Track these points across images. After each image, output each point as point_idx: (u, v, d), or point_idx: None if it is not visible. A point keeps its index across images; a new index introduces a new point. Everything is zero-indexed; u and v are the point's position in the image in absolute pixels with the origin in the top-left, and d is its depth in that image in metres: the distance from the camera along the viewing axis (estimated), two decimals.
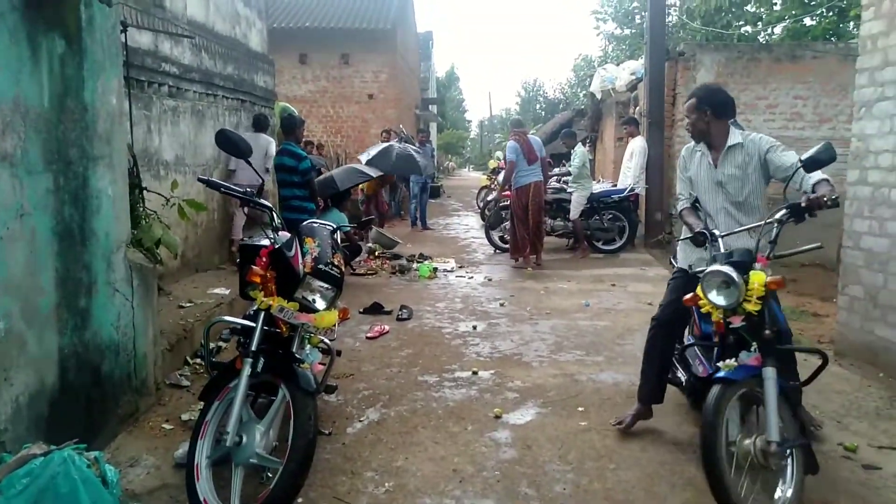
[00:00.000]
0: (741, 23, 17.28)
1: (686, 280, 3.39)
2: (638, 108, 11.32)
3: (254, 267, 2.75)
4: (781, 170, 3.13)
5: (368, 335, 5.37)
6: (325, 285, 2.86)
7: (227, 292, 5.46)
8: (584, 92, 24.65)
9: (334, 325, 2.98)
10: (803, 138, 9.30)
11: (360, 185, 10.55)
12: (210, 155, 6.58)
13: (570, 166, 10.03)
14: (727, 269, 2.71)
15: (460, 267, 8.77)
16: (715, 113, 3.28)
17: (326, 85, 16.05)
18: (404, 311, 6.08)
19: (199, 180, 2.91)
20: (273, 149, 7.29)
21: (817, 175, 2.90)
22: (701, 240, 3.16)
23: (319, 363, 3.32)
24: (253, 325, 2.77)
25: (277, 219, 2.94)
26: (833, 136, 9.13)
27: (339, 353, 3.74)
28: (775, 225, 2.86)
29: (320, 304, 2.85)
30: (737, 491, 2.52)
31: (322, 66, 16.00)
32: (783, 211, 2.82)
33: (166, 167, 5.70)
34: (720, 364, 2.75)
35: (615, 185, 10.18)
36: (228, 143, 2.84)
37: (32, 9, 2.68)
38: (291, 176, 6.21)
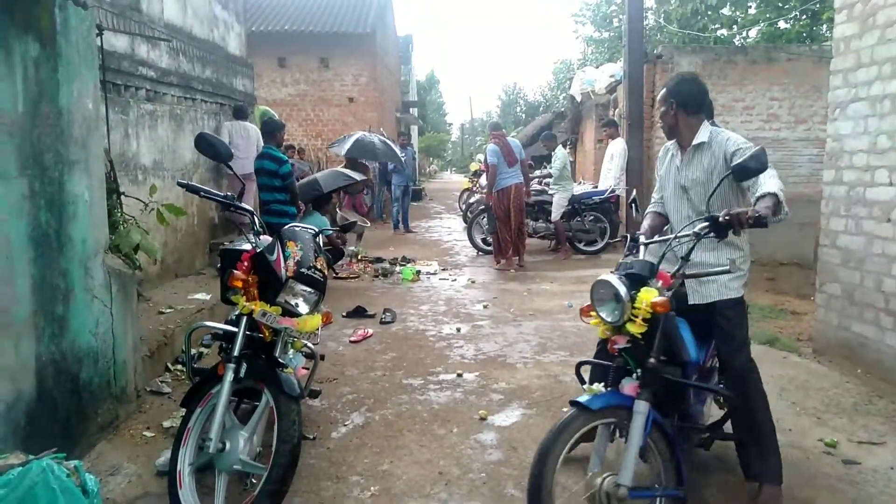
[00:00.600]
0: (717, 26, 17.51)
1: None
2: (617, 109, 11.42)
3: (235, 271, 2.72)
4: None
5: (352, 339, 5.34)
6: (308, 289, 2.84)
7: (208, 297, 5.40)
8: (563, 95, 24.81)
9: (317, 329, 2.96)
10: (780, 139, 9.46)
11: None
12: (189, 159, 6.51)
13: (551, 168, 10.08)
14: (614, 280, 2.40)
15: (443, 269, 8.77)
16: (682, 106, 2.88)
17: (306, 88, 15.99)
18: (388, 314, 6.06)
19: (179, 184, 2.87)
20: (257, 134, 7.50)
21: (765, 187, 2.51)
22: (631, 246, 2.86)
23: (303, 367, 3.30)
24: (235, 330, 2.74)
25: (258, 222, 2.91)
26: (808, 137, 9.31)
27: (322, 358, 3.72)
28: (691, 238, 2.48)
29: (303, 308, 2.83)
30: None
31: (301, 69, 15.93)
32: (702, 224, 2.45)
33: (144, 172, 5.63)
34: (585, 387, 2.46)
35: (596, 187, 10.25)
36: (208, 146, 2.81)
37: (4, 11, 2.63)
38: (272, 180, 6.16)
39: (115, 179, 4.57)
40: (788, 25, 16.12)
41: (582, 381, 2.73)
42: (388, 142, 11.19)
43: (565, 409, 3.45)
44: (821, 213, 4.94)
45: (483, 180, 11.40)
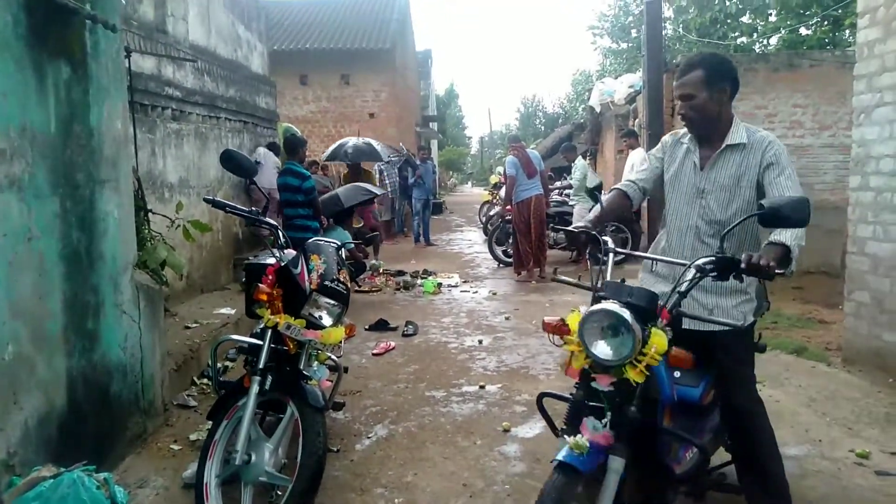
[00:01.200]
0: (737, 34, 17.41)
1: None
2: (637, 120, 11.38)
3: (260, 285, 2.76)
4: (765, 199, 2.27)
5: (374, 352, 5.37)
6: (332, 302, 2.87)
7: (233, 312, 5.47)
8: (583, 106, 24.80)
9: (341, 342, 2.99)
10: (804, 146, 9.33)
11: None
12: (214, 176, 6.63)
13: (571, 179, 10.07)
14: (627, 315, 1.92)
15: (464, 282, 8.78)
16: (733, 92, 2.43)
17: (327, 105, 16.20)
18: (410, 326, 6.08)
19: (205, 200, 2.94)
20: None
21: (784, 235, 2.16)
22: (582, 239, 2.37)
23: (327, 380, 3.32)
24: (260, 343, 2.78)
25: (282, 236, 2.96)
26: (833, 143, 9.16)
27: (346, 370, 3.74)
28: (695, 273, 2.05)
29: (327, 320, 2.86)
30: None
31: (323, 86, 16.16)
32: (709, 259, 2.04)
33: (171, 189, 5.74)
34: (568, 440, 1.96)
35: None
36: (233, 163, 2.87)
37: (38, 37, 2.72)
38: (295, 195, 6.24)
39: (143, 197, 4.67)
40: (810, 32, 15.96)
41: (545, 415, 2.38)
42: (371, 143, 11.75)
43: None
44: (848, 219, 4.86)
45: (503, 192, 11.43)
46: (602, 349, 1.96)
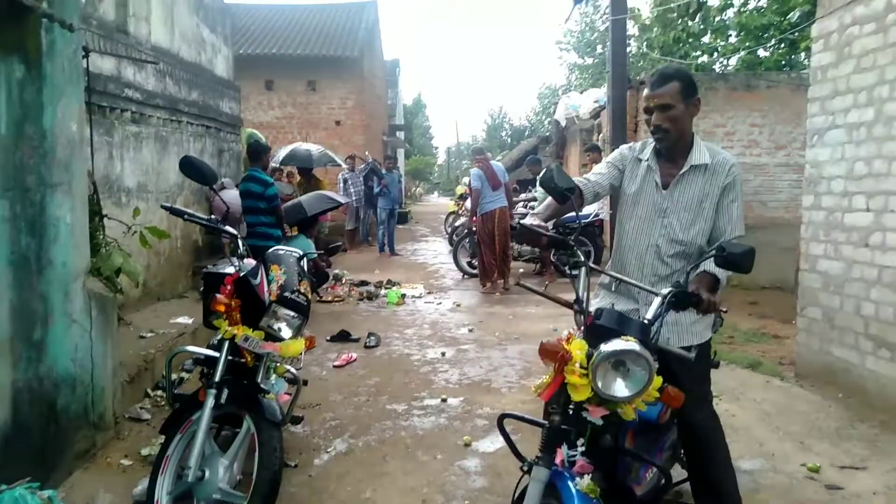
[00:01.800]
0: (698, 53, 17.87)
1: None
2: (601, 134, 11.57)
3: (218, 295, 2.70)
4: (716, 227, 2.43)
5: (335, 363, 5.30)
6: (292, 313, 2.82)
7: (191, 321, 5.34)
8: (549, 119, 25.11)
9: (300, 354, 2.94)
10: (760, 164, 9.62)
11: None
12: (174, 181, 6.48)
13: (535, 192, 10.16)
14: (646, 353, 1.86)
15: (429, 293, 8.76)
16: (686, 96, 2.38)
17: (293, 111, 16.03)
18: (372, 338, 6.02)
19: (163, 207, 2.86)
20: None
21: (713, 266, 2.19)
22: (544, 242, 2.24)
23: (285, 393, 3.26)
24: (217, 355, 2.71)
25: (242, 246, 2.90)
26: (788, 163, 9.46)
27: (305, 383, 3.67)
28: (659, 303, 2.06)
29: (286, 332, 2.81)
30: None
31: (289, 92, 15.99)
32: (671, 293, 2.06)
33: (128, 194, 5.59)
34: (578, 483, 1.90)
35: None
36: (193, 169, 2.81)
37: None
38: (257, 202, 6.15)
39: (98, 202, 4.53)
40: (767, 54, 16.50)
41: (507, 439, 2.26)
42: (325, 150, 11.60)
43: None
44: (800, 237, 5.01)
45: (469, 203, 11.47)
46: (620, 388, 1.88)
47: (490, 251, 8.62)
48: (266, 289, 2.79)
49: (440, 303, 8.08)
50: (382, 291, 8.52)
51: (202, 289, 2.97)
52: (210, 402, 2.59)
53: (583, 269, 2.18)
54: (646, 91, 2.45)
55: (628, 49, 14.49)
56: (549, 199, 2.44)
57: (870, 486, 3.19)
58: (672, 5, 16.57)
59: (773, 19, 15.77)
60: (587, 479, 1.91)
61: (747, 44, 16.30)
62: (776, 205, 9.45)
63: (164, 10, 6.47)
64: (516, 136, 48.69)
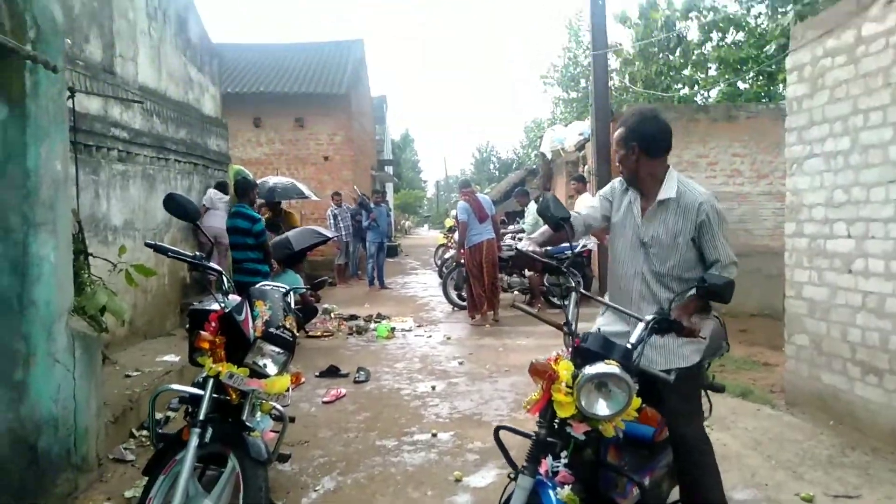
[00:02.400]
0: (679, 86, 18.25)
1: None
2: (586, 166, 11.71)
3: (202, 332, 2.68)
4: (706, 257, 2.57)
5: (324, 399, 5.24)
6: (277, 349, 2.80)
7: (177, 359, 5.27)
8: (535, 152, 25.40)
9: (287, 391, 2.90)
10: (743, 193, 9.75)
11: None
12: (161, 219, 6.47)
13: (523, 223, 10.23)
14: (618, 370, 2.03)
15: (419, 326, 8.72)
16: (645, 149, 2.56)
17: (282, 148, 16.12)
18: (361, 373, 5.97)
19: (147, 245, 2.85)
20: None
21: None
22: (539, 267, 2.52)
23: (271, 430, 3.21)
24: (201, 393, 2.67)
25: (227, 282, 2.89)
26: (771, 191, 9.60)
27: (292, 420, 3.63)
28: (642, 328, 2.22)
29: (272, 368, 2.78)
30: None
31: (277, 129, 16.11)
32: (654, 319, 2.23)
33: (115, 232, 5.57)
34: (559, 493, 2.06)
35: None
36: (176, 206, 2.81)
37: None
38: (245, 238, 6.14)
39: (84, 240, 4.51)
40: (747, 85, 16.87)
41: (502, 449, 2.35)
42: (293, 183, 11.42)
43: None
44: (785, 264, 5.05)
45: (457, 236, 11.53)
46: (601, 407, 2.05)
47: (479, 283, 8.63)
48: (251, 325, 2.77)
49: (430, 336, 8.04)
50: (372, 325, 8.47)
51: (188, 326, 2.95)
52: (194, 441, 2.54)
53: (573, 294, 2.34)
54: None
55: (611, 83, 14.79)
56: (545, 226, 2.61)
57: None
58: (653, 39, 16.99)
59: (751, 52, 16.17)
60: (567, 489, 2.05)
61: (726, 76, 16.69)
62: (761, 232, 9.56)
63: (151, 50, 6.55)
64: (504, 168, 49.16)
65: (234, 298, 2.85)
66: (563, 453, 2.11)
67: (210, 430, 2.60)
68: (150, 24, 6.53)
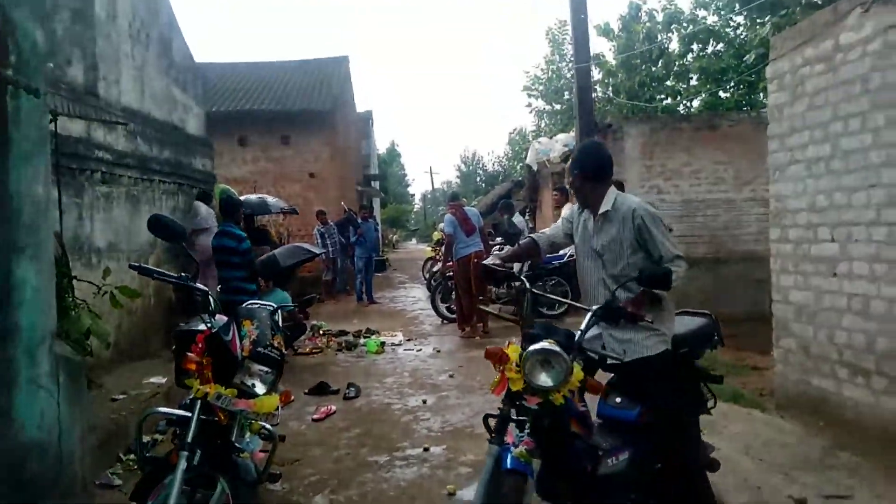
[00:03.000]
0: (662, 96, 18.47)
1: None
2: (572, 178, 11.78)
3: (189, 354, 2.65)
4: (653, 256, 2.89)
5: (314, 417, 5.20)
6: (265, 368, 2.78)
7: (164, 381, 5.21)
8: (521, 164, 25.56)
9: (276, 410, 2.88)
10: (728, 200, 9.85)
11: None
12: (146, 240, 6.42)
13: None
14: (554, 346, 2.47)
15: (408, 339, 8.69)
16: (591, 176, 3.00)
17: (267, 165, 16.09)
18: (352, 389, 5.93)
19: (131, 267, 2.83)
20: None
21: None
22: (499, 275, 3.12)
23: (261, 450, 3.17)
24: (189, 415, 2.64)
25: (213, 302, 2.86)
26: (755, 197, 9.70)
27: (282, 439, 3.58)
28: (591, 317, 2.70)
29: (260, 388, 2.76)
30: None
31: (262, 147, 16.09)
32: (600, 308, 2.70)
33: (98, 254, 5.52)
34: (513, 451, 2.45)
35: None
36: (161, 227, 2.79)
37: None
38: (231, 257, 6.11)
39: (67, 263, 4.46)
40: (728, 95, 17.10)
41: (489, 431, 2.63)
42: (263, 198, 11.29)
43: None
44: (771, 269, 5.10)
45: (444, 249, 11.53)
46: (543, 378, 2.48)
47: (467, 295, 8.62)
48: (238, 344, 2.75)
49: (420, 349, 8.01)
50: (361, 341, 8.43)
51: (174, 347, 2.92)
52: (182, 464, 2.51)
53: (527, 293, 2.93)
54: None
55: (595, 94, 14.93)
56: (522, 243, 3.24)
57: None
58: (635, 51, 17.19)
59: (731, 62, 16.41)
60: (521, 448, 2.46)
61: (708, 86, 16.92)
62: (747, 238, 9.64)
63: (134, 72, 6.54)
64: (490, 180, 49.36)
65: (221, 318, 2.83)
66: (526, 425, 2.51)
67: (198, 453, 2.56)
68: (132, 46, 6.52)
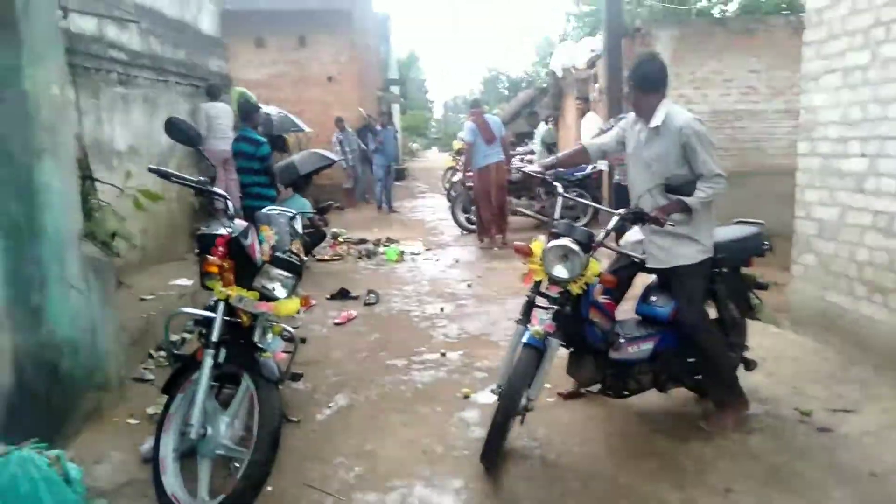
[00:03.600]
0: None
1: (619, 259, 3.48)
2: (598, 85, 11.39)
3: (210, 257, 2.70)
4: (694, 170, 3.13)
5: (336, 321, 5.35)
6: (285, 273, 2.83)
7: (190, 283, 5.36)
8: (545, 70, 24.69)
9: (297, 313, 2.96)
10: (758, 111, 9.51)
11: None
12: (166, 143, 6.38)
13: (532, 144, 10.07)
14: (570, 243, 2.84)
15: (427, 249, 8.77)
16: (639, 87, 3.17)
17: (285, 69, 15.72)
18: (372, 295, 6.06)
19: (150, 170, 2.83)
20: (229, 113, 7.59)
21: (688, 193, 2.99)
22: (537, 181, 3.74)
23: (283, 351, 3.30)
24: (213, 315, 2.73)
25: (232, 206, 2.89)
26: (787, 109, 9.33)
27: (303, 341, 3.72)
28: (616, 219, 3.11)
29: (280, 292, 2.82)
30: (505, 439, 2.92)
31: (279, 48, 15.66)
32: (628, 212, 3.05)
33: (119, 157, 5.54)
34: (530, 329, 2.89)
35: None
36: (178, 131, 2.78)
37: None
38: (250, 162, 6.10)
39: (89, 165, 4.50)
40: None
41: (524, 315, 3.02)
42: (286, 114, 10.94)
43: (548, 385, 3.70)
44: (796, 184, 4.98)
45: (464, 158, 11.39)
46: (559, 270, 2.85)
47: (487, 206, 8.59)
48: (258, 249, 2.79)
49: (439, 259, 8.10)
50: (381, 249, 8.53)
51: (197, 251, 2.98)
52: (208, 361, 2.62)
53: (559, 197, 3.24)
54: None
55: None
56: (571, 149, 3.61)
57: (860, 428, 3.27)
58: None
59: None
60: (537, 326, 2.86)
61: None
62: (775, 152, 9.37)
63: None
64: (514, 88, 47.86)
65: (241, 223, 2.86)
66: (549, 311, 2.88)
67: (223, 352, 2.67)
68: None
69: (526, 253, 2.98)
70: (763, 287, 3.62)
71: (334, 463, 3.05)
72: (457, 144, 19.17)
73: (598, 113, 10.06)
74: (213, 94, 7.64)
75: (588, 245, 2.89)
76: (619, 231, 3.47)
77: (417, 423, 3.47)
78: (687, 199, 2.99)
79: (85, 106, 4.90)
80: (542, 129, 9.75)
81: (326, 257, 8.02)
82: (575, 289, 2.86)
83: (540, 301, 2.97)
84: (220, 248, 2.70)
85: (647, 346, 3.19)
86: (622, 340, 3.16)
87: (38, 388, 2.99)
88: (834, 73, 4.50)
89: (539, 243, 2.95)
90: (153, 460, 2.67)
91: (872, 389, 3.72)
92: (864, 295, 4.25)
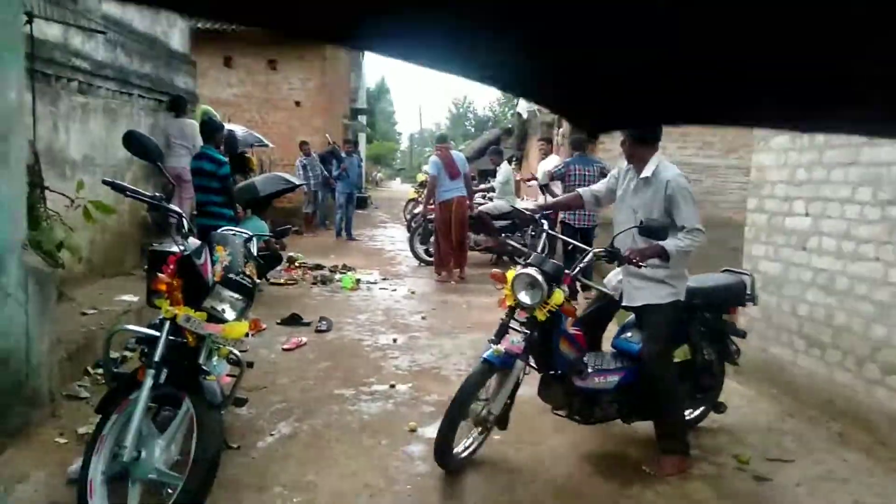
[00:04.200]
0: None
1: (602, 302, 3.74)
2: (561, 129, 11.69)
3: (160, 274, 2.65)
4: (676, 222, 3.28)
5: (285, 347, 5.26)
6: (236, 295, 2.79)
7: (136, 299, 5.21)
8: (511, 112, 25.23)
9: (245, 337, 2.90)
10: (713, 166, 9.89)
11: None
12: (123, 156, 6.27)
13: (493, 182, 10.22)
14: (535, 272, 3.11)
15: (384, 279, 8.74)
16: (639, 140, 3.35)
17: (252, 90, 15.68)
18: (324, 322, 5.99)
19: (104, 182, 2.77)
20: (197, 130, 7.18)
21: (667, 241, 3.14)
22: (525, 217, 3.90)
23: (228, 375, 3.22)
24: (157, 334, 2.66)
25: (187, 225, 2.84)
26: (739, 165, 9.74)
27: (250, 365, 3.64)
28: (590, 256, 3.38)
29: (230, 314, 2.77)
30: (453, 435, 3.15)
31: (248, 70, 15.63)
32: (603, 251, 3.33)
33: (73, 167, 5.40)
34: (493, 346, 3.14)
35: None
36: (137, 145, 2.74)
37: None
38: (210, 181, 6.02)
39: (40, 173, 4.38)
40: None
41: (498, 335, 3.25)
42: (250, 131, 10.90)
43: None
44: (744, 238, 5.18)
45: (426, 191, 11.46)
46: (524, 296, 3.13)
47: (446, 240, 8.63)
48: (210, 269, 2.74)
49: (395, 289, 8.07)
50: (337, 276, 8.46)
51: (146, 267, 2.91)
52: (148, 381, 2.54)
53: (542, 234, 3.73)
54: None
55: None
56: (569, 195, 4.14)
57: (795, 479, 3.35)
58: None
59: None
60: (500, 346, 3.12)
61: None
62: (726, 206, 9.73)
63: None
64: (480, 126, 48.77)
65: (194, 242, 2.81)
66: (521, 335, 3.14)
67: (165, 372, 2.60)
68: None
69: (500, 280, 3.28)
70: (741, 335, 3.78)
71: (273, 492, 2.97)
72: (421, 177, 19.31)
73: (559, 156, 10.29)
74: (176, 108, 7.53)
75: (557, 277, 3.15)
76: (586, 271, 3.69)
77: (361, 455, 3.41)
78: (667, 248, 3.13)
79: (41, 112, 4.78)
80: (504, 168, 9.90)
81: (281, 281, 7.91)
82: (539, 315, 3.08)
83: (514, 324, 3.22)
84: (171, 267, 2.65)
85: (613, 379, 3.36)
86: (590, 370, 3.33)
87: None
88: (783, 135, 4.73)
89: (513, 272, 3.22)
90: (80, 482, 2.55)
91: (808, 440, 3.83)
92: (803, 349, 4.41)
